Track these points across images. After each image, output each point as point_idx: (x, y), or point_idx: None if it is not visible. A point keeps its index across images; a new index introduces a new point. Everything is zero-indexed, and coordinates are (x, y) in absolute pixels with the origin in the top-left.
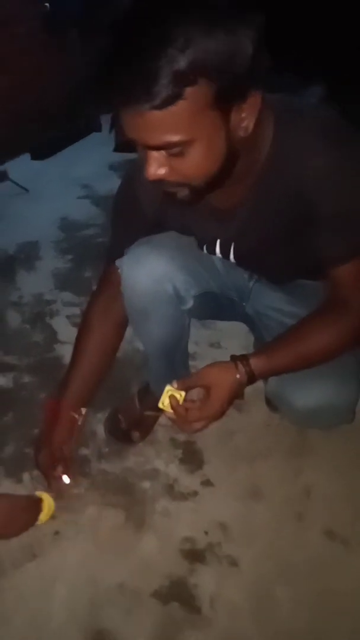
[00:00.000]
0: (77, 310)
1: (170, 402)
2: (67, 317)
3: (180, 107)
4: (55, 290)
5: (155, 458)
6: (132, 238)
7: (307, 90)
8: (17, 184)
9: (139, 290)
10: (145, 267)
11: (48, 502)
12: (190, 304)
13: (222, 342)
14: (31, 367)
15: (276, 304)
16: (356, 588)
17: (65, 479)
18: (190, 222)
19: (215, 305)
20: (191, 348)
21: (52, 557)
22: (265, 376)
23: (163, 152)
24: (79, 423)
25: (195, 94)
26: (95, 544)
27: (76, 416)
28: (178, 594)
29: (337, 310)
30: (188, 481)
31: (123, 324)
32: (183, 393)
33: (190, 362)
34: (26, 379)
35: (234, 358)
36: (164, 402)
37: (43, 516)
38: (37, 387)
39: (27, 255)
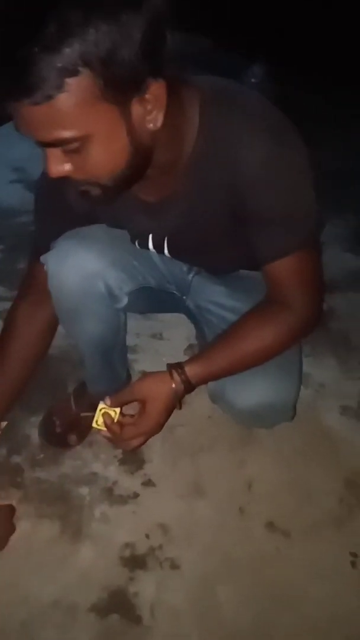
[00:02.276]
0: (9, 305)
1: (105, 421)
2: None
3: (62, 100)
4: None
5: (94, 461)
6: (58, 231)
7: (248, 69)
8: None
9: (67, 289)
10: (74, 263)
11: None
12: (124, 302)
13: (164, 333)
14: None
15: (217, 298)
16: (297, 579)
17: None
18: (120, 216)
19: (153, 300)
20: (132, 340)
21: None
22: (203, 383)
23: (59, 149)
24: None
25: (77, 85)
26: (27, 560)
27: None
28: (117, 605)
29: (275, 309)
30: (128, 483)
31: (49, 329)
32: (118, 410)
33: (131, 356)
34: None
35: (169, 367)
36: (98, 421)
37: None
38: None
39: None
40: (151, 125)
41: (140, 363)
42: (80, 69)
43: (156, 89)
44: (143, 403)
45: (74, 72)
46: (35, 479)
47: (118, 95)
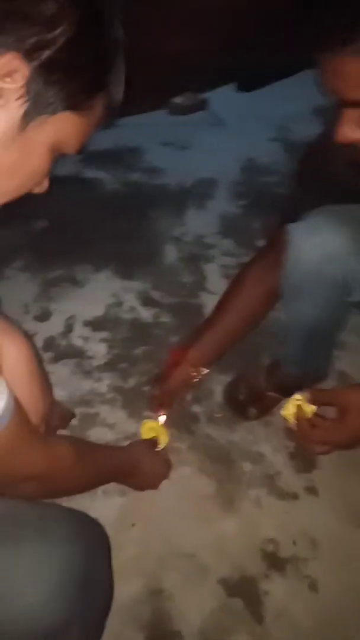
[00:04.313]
0: (233, 262)
1: (297, 413)
2: (222, 266)
3: None
4: (218, 235)
5: (265, 441)
6: (313, 203)
7: None
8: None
9: (303, 265)
10: (318, 241)
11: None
12: (357, 297)
13: None
14: (172, 308)
15: None
16: None
17: (162, 419)
18: None
19: None
20: (341, 336)
21: (137, 499)
22: None
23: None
24: (195, 381)
25: None
26: (177, 505)
27: (194, 374)
28: (245, 593)
29: None
30: (292, 480)
31: (275, 295)
32: (314, 407)
33: (337, 352)
34: (165, 318)
35: None
36: (289, 411)
37: (162, 443)
38: (172, 329)
39: (202, 192)
40: None
41: (342, 361)
42: None
43: None
44: (343, 412)
45: None
46: (206, 434)
47: None
